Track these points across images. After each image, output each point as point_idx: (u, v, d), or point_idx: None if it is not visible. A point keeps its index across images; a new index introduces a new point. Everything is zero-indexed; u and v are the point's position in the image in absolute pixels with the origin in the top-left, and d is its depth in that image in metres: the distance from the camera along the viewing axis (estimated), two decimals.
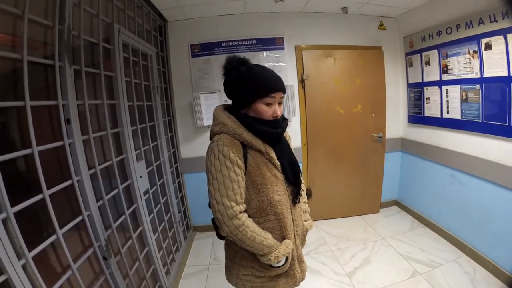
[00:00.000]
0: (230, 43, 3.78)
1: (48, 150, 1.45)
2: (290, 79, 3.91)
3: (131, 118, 2.42)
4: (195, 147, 3.95)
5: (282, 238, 1.48)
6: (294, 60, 3.92)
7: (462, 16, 2.95)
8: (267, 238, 1.39)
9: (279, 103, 1.42)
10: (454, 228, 3.38)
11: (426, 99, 3.63)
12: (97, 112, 2.03)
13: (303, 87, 3.92)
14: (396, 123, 4.28)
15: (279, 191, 1.44)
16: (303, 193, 1.72)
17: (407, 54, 3.94)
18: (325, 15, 3.87)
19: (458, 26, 3.00)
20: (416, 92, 3.81)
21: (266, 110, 1.38)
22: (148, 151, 2.88)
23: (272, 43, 3.84)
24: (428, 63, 3.50)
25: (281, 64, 3.88)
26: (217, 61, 3.77)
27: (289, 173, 1.48)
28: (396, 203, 4.52)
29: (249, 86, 1.35)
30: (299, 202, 1.57)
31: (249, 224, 1.35)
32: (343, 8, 3.69)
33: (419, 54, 3.66)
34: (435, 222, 3.68)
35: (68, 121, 1.61)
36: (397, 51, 4.12)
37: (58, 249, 1.48)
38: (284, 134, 1.62)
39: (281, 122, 1.48)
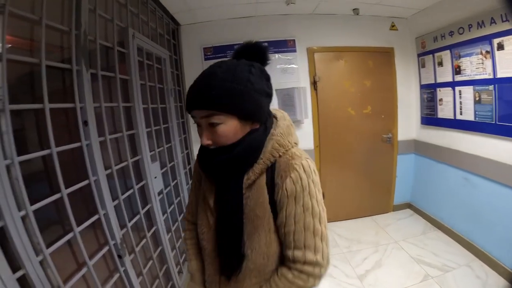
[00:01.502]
0: None
1: (66, 151, 1.49)
2: (302, 81, 3.91)
3: (145, 120, 2.46)
4: None
5: None
6: (306, 62, 3.92)
7: (473, 15, 2.90)
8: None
9: (211, 125, 0.95)
10: (466, 231, 3.32)
11: (439, 100, 3.58)
12: (113, 115, 2.08)
13: (315, 89, 3.92)
14: (409, 125, 4.22)
15: (207, 237, 1.13)
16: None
17: (419, 55, 3.89)
18: (336, 16, 3.87)
19: (470, 26, 2.96)
20: (429, 93, 3.76)
21: (198, 132, 1.02)
22: (163, 153, 2.92)
23: (284, 45, 3.85)
24: (440, 63, 3.46)
25: (293, 66, 3.88)
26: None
27: (220, 237, 1.08)
28: (409, 206, 4.46)
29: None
30: (228, 277, 1.08)
31: (186, 241, 1.32)
32: (354, 9, 3.68)
33: (431, 55, 3.62)
34: (447, 225, 3.62)
35: (85, 123, 1.65)
36: (409, 52, 4.07)
37: (74, 246, 1.52)
38: (249, 175, 1.01)
39: (212, 154, 1.00)
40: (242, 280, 1.06)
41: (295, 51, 3.88)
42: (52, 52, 1.52)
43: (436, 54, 3.51)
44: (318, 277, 1.01)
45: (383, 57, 3.98)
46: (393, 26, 4.01)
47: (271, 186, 1.00)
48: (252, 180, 1.01)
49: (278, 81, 3.86)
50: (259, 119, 1.02)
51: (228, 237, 1.04)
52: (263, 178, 1.01)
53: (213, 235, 1.10)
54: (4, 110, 1.11)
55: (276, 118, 1.13)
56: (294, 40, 3.86)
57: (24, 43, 1.38)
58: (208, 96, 0.91)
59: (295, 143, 1.08)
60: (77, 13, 1.65)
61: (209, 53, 3.79)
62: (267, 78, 1.06)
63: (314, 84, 3.92)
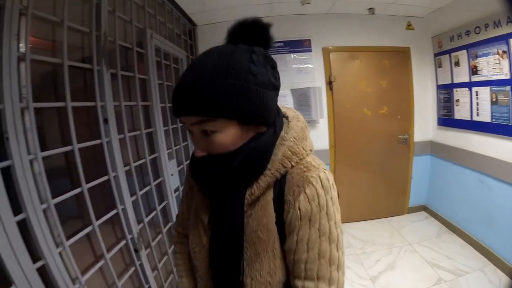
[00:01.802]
0: None
1: (87, 147, 1.54)
2: (317, 81, 3.90)
3: (163, 118, 2.52)
4: None
5: None
6: (322, 62, 3.91)
7: (490, 15, 2.84)
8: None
9: (205, 132, 0.75)
10: (481, 235, 3.25)
11: (456, 101, 3.52)
12: (132, 113, 2.13)
13: (331, 88, 3.91)
14: (425, 126, 4.16)
15: (199, 256, 0.92)
16: None
17: (436, 55, 3.84)
18: (351, 16, 3.84)
19: (487, 26, 2.90)
20: (446, 94, 3.71)
21: (192, 140, 0.82)
22: (179, 151, 2.97)
23: (299, 45, 3.86)
24: (457, 63, 3.40)
25: (308, 65, 3.88)
26: None
27: (214, 262, 0.88)
28: (424, 208, 4.38)
29: None
30: None
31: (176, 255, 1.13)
32: (369, 9, 3.65)
33: (448, 55, 3.56)
34: (462, 229, 3.55)
35: (105, 121, 1.70)
36: (425, 51, 4.00)
37: (92, 240, 1.57)
38: (252, 190, 0.81)
39: (205, 165, 0.80)
40: None
41: (310, 51, 3.87)
42: (73, 52, 1.57)
43: (453, 54, 3.46)
44: None
45: (399, 57, 3.94)
46: (409, 25, 3.96)
47: (279, 204, 0.80)
48: (256, 196, 0.81)
49: (293, 81, 3.87)
50: (266, 121, 0.80)
51: (224, 262, 0.84)
52: (270, 193, 0.81)
53: (207, 256, 0.89)
54: (28, 108, 1.17)
55: (287, 118, 0.92)
56: (309, 40, 3.85)
57: (46, 43, 1.44)
58: (196, 98, 0.69)
59: (310, 150, 0.88)
60: (97, 15, 1.70)
61: None
62: (272, 65, 0.82)
63: (329, 84, 3.90)
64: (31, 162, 1.16)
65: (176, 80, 2.99)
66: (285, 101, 3.88)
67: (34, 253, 1.16)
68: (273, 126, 0.83)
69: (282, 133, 0.85)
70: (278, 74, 0.85)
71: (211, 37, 3.79)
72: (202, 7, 3.24)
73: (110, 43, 1.81)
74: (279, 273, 0.82)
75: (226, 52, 0.75)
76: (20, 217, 1.10)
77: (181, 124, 3.05)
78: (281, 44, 3.83)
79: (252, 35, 0.80)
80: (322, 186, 0.78)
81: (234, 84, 0.70)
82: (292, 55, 3.87)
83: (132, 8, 2.15)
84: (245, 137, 0.78)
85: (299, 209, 0.77)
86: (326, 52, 3.89)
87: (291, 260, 0.80)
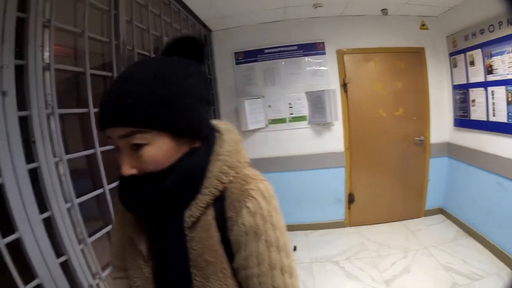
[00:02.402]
0: (272, 50, 3.85)
1: (108, 150, 1.62)
2: (332, 84, 3.88)
3: None
4: None
5: None
6: (336, 64, 3.89)
7: (503, 12, 2.78)
8: None
9: (134, 147, 0.67)
10: (498, 239, 3.14)
11: (472, 101, 3.45)
12: None
13: (346, 91, 3.89)
14: (442, 127, 4.05)
15: None
16: None
17: (451, 54, 3.75)
18: (364, 17, 3.82)
19: (501, 24, 2.83)
20: (461, 94, 3.64)
21: (117, 157, 0.71)
22: None
23: (313, 48, 3.86)
24: (472, 63, 3.34)
25: (323, 68, 3.88)
26: (260, 68, 3.88)
27: (163, 285, 0.77)
28: (441, 211, 4.25)
29: None
30: None
31: None
32: (382, 9, 3.62)
33: (463, 54, 3.48)
34: (479, 232, 3.43)
35: None
36: (440, 51, 3.93)
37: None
38: (193, 210, 0.73)
39: (136, 185, 0.70)
40: None
41: (324, 53, 3.87)
42: (94, 60, 1.66)
43: (468, 53, 3.39)
44: None
45: (414, 58, 3.88)
46: (423, 25, 3.89)
47: (222, 222, 0.74)
48: (196, 217, 0.73)
49: (308, 84, 3.88)
50: (199, 134, 0.75)
51: None
52: (211, 213, 0.75)
53: None
54: (53, 113, 1.26)
55: (219, 132, 0.83)
56: (323, 43, 3.85)
57: (69, 52, 1.54)
58: (125, 107, 0.63)
59: (247, 162, 0.82)
60: (115, 24, 1.79)
61: (240, 58, 3.88)
62: (205, 80, 0.79)
63: (344, 86, 3.88)
64: (56, 164, 1.25)
65: None
66: (300, 104, 3.91)
67: (58, 249, 1.25)
68: (206, 141, 0.78)
69: (216, 147, 0.78)
70: (211, 89, 0.78)
71: (226, 42, 3.88)
72: (216, 13, 3.31)
73: (128, 51, 1.90)
74: None
75: (159, 62, 0.74)
76: (45, 215, 1.19)
77: None
78: (295, 47, 3.85)
79: (188, 50, 0.77)
80: (264, 197, 0.74)
81: (166, 94, 0.66)
82: (306, 58, 3.88)
83: (149, 17, 2.24)
84: (178, 152, 0.71)
85: (243, 224, 0.71)
86: (340, 54, 3.87)
87: (243, 277, 0.75)
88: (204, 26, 3.66)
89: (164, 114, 0.65)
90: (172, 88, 0.67)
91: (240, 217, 0.71)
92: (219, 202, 0.74)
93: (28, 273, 1.11)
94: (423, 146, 4.00)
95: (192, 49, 0.77)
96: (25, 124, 1.17)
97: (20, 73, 1.16)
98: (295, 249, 3.57)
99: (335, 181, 3.98)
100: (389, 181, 4.10)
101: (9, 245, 1.04)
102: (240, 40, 3.86)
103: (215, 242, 0.74)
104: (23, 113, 1.15)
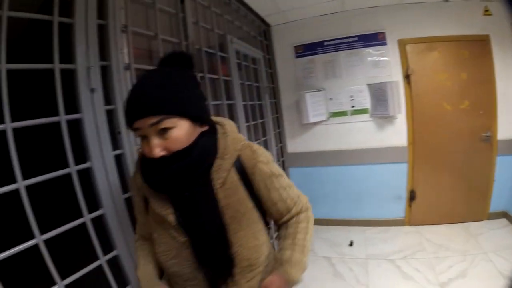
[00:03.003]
0: (332, 42, 3.79)
1: None
2: (394, 75, 3.69)
3: (245, 115, 2.72)
4: (300, 142, 4.09)
5: None
6: (398, 54, 3.69)
7: None
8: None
9: (162, 132, 0.84)
10: None
11: None
12: (218, 111, 2.34)
13: (409, 83, 3.67)
14: (510, 122, 3.58)
15: (179, 260, 0.96)
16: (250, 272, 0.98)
17: None
18: (425, 5, 3.55)
19: None
20: None
21: (143, 147, 0.88)
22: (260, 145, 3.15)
23: (374, 39, 3.71)
24: None
25: (384, 59, 3.70)
26: (321, 61, 3.84)
27: (199, 246, 0.94)
28: (505, 215, 3.76)
29: None
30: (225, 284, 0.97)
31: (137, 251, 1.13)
32: None
33: None
34: None
35: None
36: (507, 38, 3.45)
37: None
38: (216, 173, 0.95)
39: (168, 162, 0.86)
40: (238, 282, 0.96)
41: (385, 43, 3.69)
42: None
43: None
44: (311, 209, 1.13)
45: (479, 46, 3.52)
46: (486, 10, 3.51)
47: (246, 179, 0.99)
48: (223, 178, 0.94)
49: (369, 76, 3.74)
50: (207, 121, 0.97)
51: (212, 247, 0.93)
52: (235, 175, 0.97)
53: (189, 253, 0.94)
54: None
55: (218, 123, 1.05)
56: (384, 33, 3.67)
57: (144, 53, 1.71)
58: (155, 100, 0.82)
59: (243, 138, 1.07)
60: (184, 26, 1.94)
61: (300, 51, 3.89)
62: (199, 84, 1.03)
63: (407, 77, 3.66)
64: (137, 151, 1.41)
65: (254, 79, 3.18)
66: (362, 97, 3.79)
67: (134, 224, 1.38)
68: (211, 126, 0.99)
69: (220, 129, 1.02)
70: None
71: (286, 36, 3.92)
72: (275, 8, 3.36)
73: (197, 51, 2.04)
74: (262, 233, 1.01)
75: (167, 70, 0.92)
76: (127, 195, 1.36)
77: (261, 120, 3.22)
78: (355, 38, 3.73)
79: (180, 62, 0.97)
80: (264, 153, 1.02)
81: (182, 91, 0.87)
82: (367, 49, 3.74)
83: (212, 16, 2.37)
84: (194, 134, 0.90)
85: (262, 172, 0.99)
86: (401, 44, 3.66)
87: (275, 208, 1.04)
88: (263, 21, 3.74)
89: (184, 104, 0.86)
90: (185, 87, 0.89)
91: (258, 169, 0.98)
92: (239, 165, 0.98)
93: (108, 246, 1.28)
94: (489, 142, 3.59)
95: (183, 60, 0.98)
96: (111, 117, 1.34)
97: (105, 73, 1.33)
98: (351, 244, 3.53)
99: (397, 177, 3.79)
100: (452, 179, 3.77)
101: (93, 220, 1.22)
102: (299, 34, 3.87)
103: (244, 196, 0.98)
104: (109, 107, 1.32)
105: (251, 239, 0.96)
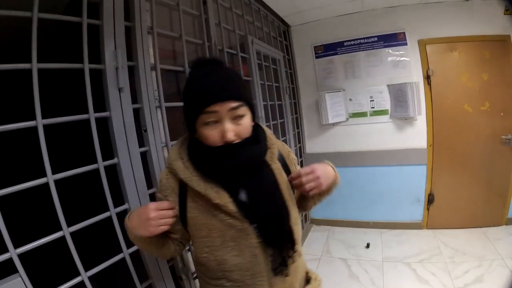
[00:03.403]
0: (352, 42, 3.75)
1: None
2: (414, 76, 3.61)
3: (265, 115, 2.73)
4: (319, 143, 4.07)
5: None
6: (418, 55, 3.61)
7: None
8: None
9: (236, 118, 0.90)
10: None
11: None
12: None
13: (429, 83, 3.59)
14: None
15: (239, 250, 0.95)
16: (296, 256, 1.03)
17: None
18: (445, 4, 3.46)
19: None
20: None
21: (209, 133, 0.90)
22: None
23: (394, 39, 3.64)
24: None
25: (404, 59, 3.63)
26: (340, 61, 3.80)
27: (266, 225, 0.95)
28: None
29: (185, 103, 0.96)
30: (284, 270, 1.00)
31: None
32: None
33: None
34: None
35: None
36: None
37: None
38: (270, 160, 1.02)
39: (241, 148, 0.91)
40: (296, 266, 1.05)
41: (406, 44, 3.61)
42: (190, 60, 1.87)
43: None
44: None
45: (500, 47, 3.41)
46: (507, 10, 3.41)
47: (285, 167, 1.09)
48: (276, 164, 1.04)
49: (389, 76, 3.68)
50: (257, 116, 1.05)
51: (279, 224, 0.98)
52: (278, 163, 1.06)
53: (250, 238, 0.94)
54: (160, 106, 1.48)
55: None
56: (404, 33, 3.59)
57: (169, 54, 1.75)
58: (237, 88, 0.91)
59: None
60: (207, 28, 1.97)
61: (319, 51, 3.87)
62: None
63: (427, 78, 3.58)
64: (162, 149, 1.46)
65: (274, 79, 3.19)
66: (382, 98, 3.73)
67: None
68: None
69: (259, 126, 1.08)
70: None
71: (305, 36, 3.89)
72: (294, 9, 3.35)
73: (219, 51, 2.07)
74: (296, 209, 1.10)
75: (228, 67, 1.06)
76: (151, 190, 1.40)
77: (280, 120, 3.23)
78: (375, 39, 3.68)
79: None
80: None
81: (246, 84, 1.01)
82: (387, 50, 3.67)
83: (234, 18, 2.39)
84: (251, 125, 0.97)
85: (294, 160, 1.15)
86: (422, 44, 3.58)
87: (298, 182, 1.02)
88: (283, 21, 3.73)
89: (252, 98, 0.98)
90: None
91: (291, 157, 1.14)
92: (279, 154, 1.08)
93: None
94: (509, 145, 3.49)
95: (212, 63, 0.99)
96: (137, 115, 1.38)
97: (132, 73, 1.36)
98: (368, 246, 3.48)
99: (416, 179, 3.71)
100: (472, 183, 3.65)
101: (118, 215, 1.26)
102: (319, 34, 3.84)
103: (286, 181, 1.05)
104: (136, 105, 1.36)
105: (297, 219, 1.06)
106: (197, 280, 1.61)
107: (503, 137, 3.50)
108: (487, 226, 3.71)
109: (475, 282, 2.81)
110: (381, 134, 3.77)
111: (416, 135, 3.67)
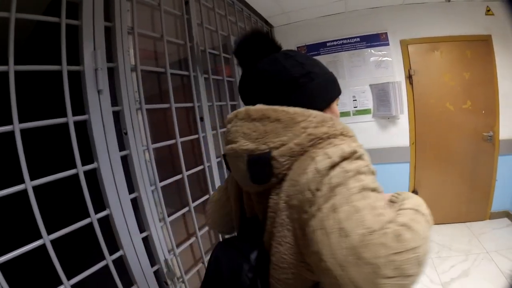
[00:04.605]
0: (335, 43, 3.74)
1: (186, 141, 1.77)
2: (397, 75, 3.65)
3: None
4: None
5: None
6: (400, 55, 3.64)
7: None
8: None
9: None
10: None
11: None
12: (222, 111, 2.34)
13: (411, 83, 3.63)
14: None
15: None
16: None
17: None
18: (427, 5, 3.49)
19: None
20: None
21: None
22: None
23: (376, 39, 3.66)
24: None
25: (387, 59, 3.66)
26: (323, 61, 3.71)
27: None
28: (507, 214, 3.75)
29: (330, 82, 0.92)
30: None
31: None
32: None
33: None
34: None
35: (201, 119, 1.93)
36: (509, 38, 3.41)
37: (187, 219, 1.82)
38: None
39: None
40: None
41: (388, 44, 3.64)
42: (172, 62, 1.81)
43: None
44: None
45: (481, 46, 3.48)
46: (488, 10, 3.44)
47: None
48: None
49: (372, 76, 3.70)
50: None
51: None
52: None
53: None
54: (141, 108, 1.41)
55: None
56: (386, 33, 3.62)
57: (151, 54, 1.70)
58: None
59: None
60: (189, 28, 1.91)
61: (302, 52, 3.84)
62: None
63: (409, 78, 3.62)
64: (143, 152, 1.40)
65: None
66: (364, 97, 3.75)
67: (141, 225, 1.40)
68: None
69: None
70: None
71: (288, 37, 3.84)
72: (278, 9, 3.32)
73: (201, 52, 2.03)
74: None
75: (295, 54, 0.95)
76: (133, 195, 1.35)
77: None
78: (358, 39, 3.69)
79: (260, 43, 0.93)
80: None
81: None
82: (369, 50, 3.69)
83: (216, 18, 2.34)
84: None
85: None
86: (404, 44, 3.62)
87: None
88: (266, 22, 3.69)
89: None
90: None
91: None
92: None
93: (114, 243, 1.28)
94: (491, 142, 3.54)
95: (263, 41, 0.91)
96: (117, 117, 1.33)
97: (112, 74, 1.31)
98: None
99: (399, 177, 3.74)
100: (454, 179, 3.72)
101: (99, 221, 1.20)
102: (302, 35, 3.81)
103: None
104: (116, 108, 1.30)
105: None
106: (183, 284, 1.58)
107: (484, 134, 3.57)
108: (471, 221, 3.80)
109: (461, 277, 2.86)
110: (364, 133, 3.75)
111: (399, 134, 3.70)
